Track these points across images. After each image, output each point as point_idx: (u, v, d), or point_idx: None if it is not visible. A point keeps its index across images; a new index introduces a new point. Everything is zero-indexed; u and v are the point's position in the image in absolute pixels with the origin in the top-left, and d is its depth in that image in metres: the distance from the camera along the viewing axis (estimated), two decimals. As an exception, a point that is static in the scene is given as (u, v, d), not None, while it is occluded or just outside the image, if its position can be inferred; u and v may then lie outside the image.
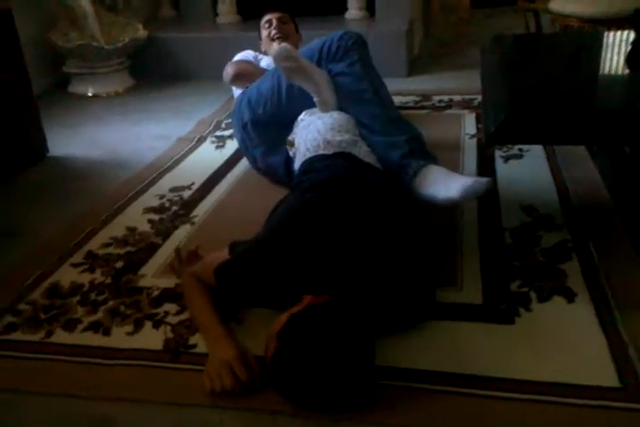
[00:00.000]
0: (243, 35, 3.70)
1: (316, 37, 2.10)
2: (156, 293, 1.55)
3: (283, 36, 2.52)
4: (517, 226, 1.76)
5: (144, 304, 1.51)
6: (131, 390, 1.23)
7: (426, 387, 1.19)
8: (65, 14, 3.43)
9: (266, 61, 2.51)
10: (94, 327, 1.43)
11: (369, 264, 1.32)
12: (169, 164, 2.40)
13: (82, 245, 1.82)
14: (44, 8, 3.50)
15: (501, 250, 1.65)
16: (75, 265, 1.71)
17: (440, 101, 2.97)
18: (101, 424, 1.16)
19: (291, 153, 1.98)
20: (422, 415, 1.13)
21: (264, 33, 2.59)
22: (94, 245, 1.82)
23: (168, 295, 1.54)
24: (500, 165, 2.19)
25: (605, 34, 2.28)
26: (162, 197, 2.12)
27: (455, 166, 2.13)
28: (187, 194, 2.13)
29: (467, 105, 2.89)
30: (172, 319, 1.44)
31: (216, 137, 2.68)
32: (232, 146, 2.52)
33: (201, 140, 2.65)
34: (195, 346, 1.35)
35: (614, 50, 1.98)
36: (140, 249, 1.78)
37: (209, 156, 2.48)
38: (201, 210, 2.01)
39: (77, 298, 1.55)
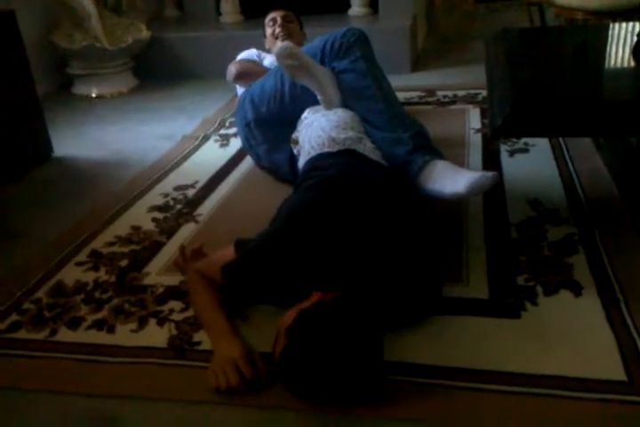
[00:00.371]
0: (246, 34, 3.69)
1: (320, 35, 2.10)
2: (160, 290, 1.55)
3: (287, 35, 2.51)
4: (523, 220, 1.75)
5: (148, 302, 1.51)
6: (135, 387, 1.23)
7: (433, 382, 1.18)
8: (68, 16, 3.44)
9: (269, 60, 2.51)
10: (98, 325, 1.43)
11: (376, 260, 1.31)
12: (173, 162, 2.40)
13: (86, 243, 1.82)
14: (47, 9, 3.50)
15: (507, 244, 1.64)
16: (79, 264, 1.71)
17: (444, 97, 2.96)
18: (106, 422, 1.16)
19: (295, 151, 1.97)
20: (429, 410, 1.12)
21: (268, 31, 2.59)
22: (98, 243, 1.82)
23: (172, 293, 1.53)
24: (505, 160, 2.18)
25: (611, 26, 2.26)
26: (166, 195, 2.12)
27: (460, 161, 2.11)
28: (191, 192, 2.13)
29: (471, 100, 2.87)
30: (177, 317, 1.44)
31: (220, 135, 2.68)
32: (236, 144, 2.51)
33: (205, 139, 2.64)
34: (199, 343, 1.34)
35: (620, 42, 1.97)
36: (145, 247, 1.77)
37: (213, 154, 2.47)
38: (205, 208, 2.00)
39: (82, 296, 1.55)
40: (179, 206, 2.03)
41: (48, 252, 1.79)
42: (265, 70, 2.33)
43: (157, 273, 1.64)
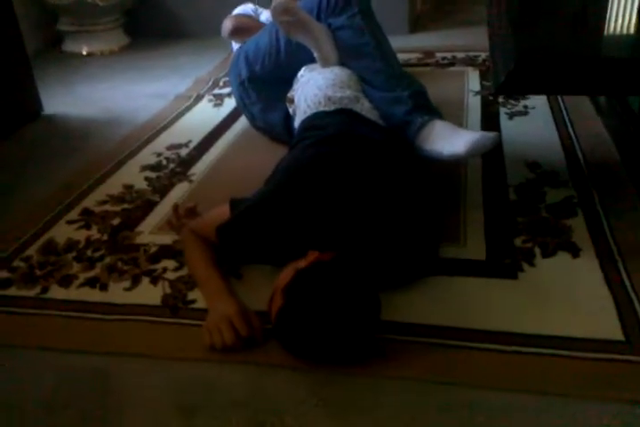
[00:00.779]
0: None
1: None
2: (153, 249, 1.53)
3: None
4: (522, 182, 1.73)
5: (141, 260, 1.48)
6: (128, 345, 1.22)
7: (428, 341, 1.18)
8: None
9: (266, 15, 2.44)
10: (91, 283, 1.41)
11: (373, 219, 1.29)
12: (166, 122, 2.35)
13: (77, 202, 1.79)
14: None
15: (505, 206, 1.62)
16: (70, 222, 1.68)
17: (443, 58, 2.90)
18: (98, 379, 1.15)
19: (290, 110, 1.93)
20: (424, 369, 1.11)
21: None
22: (90, 202, 1.79)
23: (166, 252, 1.51)
24: (504, 122, 2.14)
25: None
26: (159, 154, 2.08)
27: (459, 123, 2.06)
28: (184, 152, 2.09)
29: (471, 62, 2.82)
30: (171, 275, 1.42)
31: (214, 95, 2.62)
32: (230, 104, 2.46)
33: (198, 99, 2.59)
34: (194, 301, 1.33)
35: (623, 1, 1.92)
36: (137, 206, 1.74)
37: (207, 114, 2.42)
38: (199, 168, 1.97)
39: (73, 254, 1.53)
40: (172, 166, 1.99)
41: (38, 210, 1.76)
42: (261, 25, 2.26)
43: (150, 232, 1.61)
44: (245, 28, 2.31)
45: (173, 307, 1.32)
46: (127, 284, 1.40)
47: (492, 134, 1.51)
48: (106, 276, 1.43)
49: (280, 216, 1.31)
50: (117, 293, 1.38)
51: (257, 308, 1.24)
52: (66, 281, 1.42)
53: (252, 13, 2.48)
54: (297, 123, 1.79)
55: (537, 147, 1.94)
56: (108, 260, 1.50)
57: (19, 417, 1.08)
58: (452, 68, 2.78)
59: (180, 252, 1.49)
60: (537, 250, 1.42)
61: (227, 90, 2.62)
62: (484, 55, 2.85)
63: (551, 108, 2.22)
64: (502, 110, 2.24)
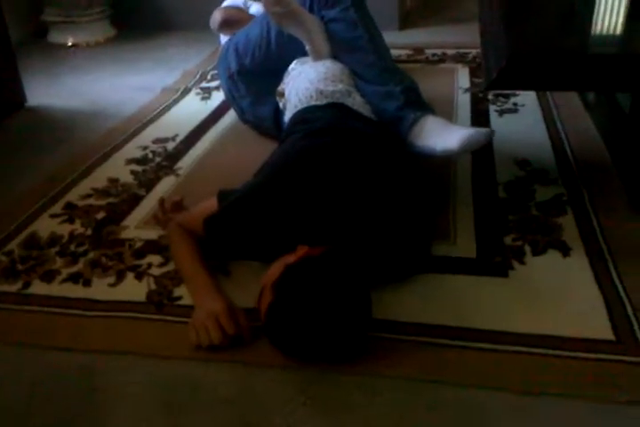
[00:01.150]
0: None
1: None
2: (138, 244, 1.50)
3: None
4: (511, 180, 1.72)
5: (126, 256, 1.46)
6: (112, 341, 1.19)
7: (419, 339, 1.16)
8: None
9: (255, 8, 2.41)
10: (74, 279, 1.38)
11: (364, 214, 1.27)
12: (152, 115, 2.32)
13: (61, 195, 1.75)
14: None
15: (495, 204, 1.61)
16: (53, 216, 1.65)
17: (433, 55, 2.88)
18: (81, 377, 1.12)
19: (280, 104, 1.90)
20: (415, 367, 1.10)
21: None
22: (74, 196, 1.75)
23: (151, 247, 1.49)
24: (494, 119, 2.13)
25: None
26: (145, 148, 2.04)
27: (449, 120, 2.04)
28: (171, 145, 2.06)
29: (461, 59, 2.80)
30: (156, 271, 1.39)
31: (201, 88, 2.59)
32: (218, 97, 2.43)
33: (186, 92, 2.55)
34: (180, 298, 1.30)
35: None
36: (123, 200, 1.71)
37: (194, 107, 2.39)
38: (185, 162, 1.94)
39: (56, 249, 1.50)
40: (158, 159, 1.96)
41: (21, 203, 1.72)
42: (251, 18, 2.23)
43: (136, 227, 1.59)
44: (235, 21, 2.27)
45: (158, 303, 1.29)
46: (111, 279, 1.37)
47: (485, 130, 1.50)
48: (89, 271, 1.40)
49: (269, 208, 1.29)
50: (101, 288, 1.35)
51: (245, 305, 1.22)
52: (48, 276, 1.39)
53: (241, 6, 2.45)
54: (287, 117, 1.77)
55: (526, 144, 1.93)
56: (91, 255, 1.47)
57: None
58: (441, 65, 2.76)
59: (165, 247, 1.46)
60: (527, 248, 1.41)
61: (215, 83, 2.58)
62: (474, 52, 2.85)
63: (541, 105, 2.22)
64: (492, 108, 2.23)
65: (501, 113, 2.18)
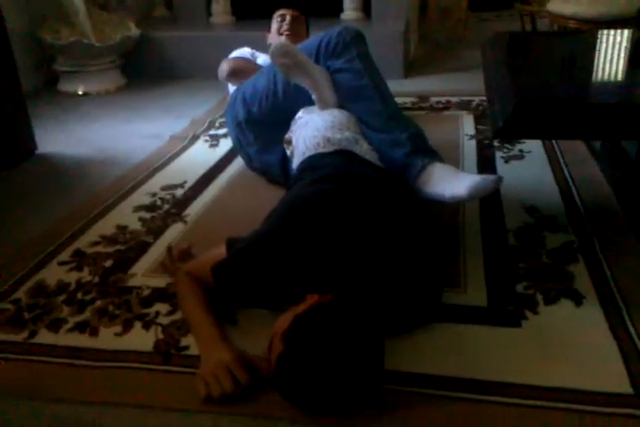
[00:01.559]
0: (236, 34, 3.66)
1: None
2: (146, 292, 1.49)
3: (292, 34, 2.47)
4: (521, 227, 1.72)
5: (134, 304, 1.44)
6: (119, 393, 1.17)
7: (432, 392, 1.14)
8: (56, 11, 3.36)
9: (263, 59, 2.46)
10: (81, 328, 1.37)
11: (373, 261, 1.26)
12: (161, 162, 2.34)
13: (69, 242, 1.75)
14: (34, 4, 3.42)
15: (505, 251, 1.60)
16: (61, 263, 1.64)
17: (438, 103, 2.93)
18: (87, 430, 1.10)
19: (288, 152, 1.92)
20: (428, 421, 1.07)
21: (274, 26, 2.55)
22: (82, 243, 1.75)
23: (159, 295, 1.47)
24: (500, 166, 2.15)
25: (606, 32, 2.26)
26: (153, 195, 2.06)
27: (455, 167, 2.07)
28: (179, 192, 2.07)
29: (465, 106, 2.85)
30: (164, 320, 1.38)
31: (210, 136, 2.62)
32: (226, 145, 2.46)
33: (194, 139, 2.59)
34: (187, 348, 1.28)
35: (617, 46, 1.97)
36: (131, 248, 1.71)
37: (202, 154, 2.42)
38: (194, 209, 1.94)
39: (64, 297, 1.48)
40: (166, 206, 1.96)
41: (29, 250, 1.72)
42: (258, 69, 2.27)
43: (143, 274, 1.58)
44: (242, 71, 2.32)
45: (166, 354, 1.27)
46: (118, 329, 1.36)
47: (493, 177, 1.50)
48: (96, 320, 1.39)
49: (278, 256, 1.28)
50: (108, 338, 1.33)
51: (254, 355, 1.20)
52: (55, 325, 1.38)
53: (249, 57, 2.50)
54: (295, 164, 1.78)
55: (534, 191, 1.94)
56: (99, 303, 1.45)
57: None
58: (446, 112, 2.80)
59: (173, 295, 1.45)
60: (539, 297, 1.40)
61: (223, 131, 2.62)
62: (477, 100, 2.89)
63: (546, 152, 2.23)
64: (498, 154, 2.25)
65: (507, 160, 2.19)
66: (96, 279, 1.56)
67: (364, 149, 1.69)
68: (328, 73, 1.92)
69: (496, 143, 2.34)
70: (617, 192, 1.88)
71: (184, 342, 1.30)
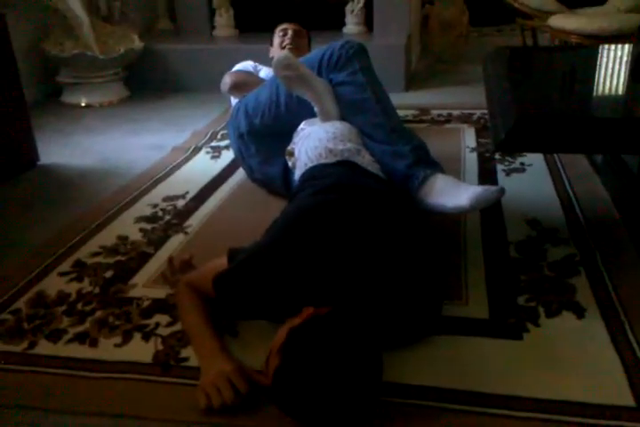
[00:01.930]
0: (239, 47, 3.69)
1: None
2: (146, 303, 1.48)
3: (294, 48, 2.49)
4: (522, 240, 1.71)
5: (134, 315, 1.44)
6: (118, 405, 1.16)
7: (432, 404, 1.13)
8: (60, 23, 3.39)
9: (265, 72, 2.48)
10: (80, 338, 1.36)
11: (372, 274, 1.25)
12: (163, 173, 2.34)
13: (70, 253, 1.75)
14: (38, 16, 3.45)
15: (507, 264, 1.60)
16: (62, 274, 1.64)
17: (439, 115, 2.94)
18: (85, 442, 1.09)
19: (290, 163, 1.92)
20: (429, 435, 1.06)
21: (276, 41, 2.57)
22: (83, 253, 1.75)
23: (159, 306, 1.47)
24: (502, 179, 2.15)
25: (607, 46, 2.27)
26: (155, 206, 2.06)
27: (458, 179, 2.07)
28: (180, 203, 2.07)
29: (466, 119, 2.86)
30: (163, 331, 1.37)
31: (211, 147, 2.63)
32: (228, 156, 2.47)
33: (196, 151, 2.59)
34: (186, 359, 1.28)
35: (617, 61, 1.98)
36: (131, 258, 1.71)
37: (204, 166, 2.42)
38: (195, 220, 1.95)
39: (64, 308, 1.48)
40: (167, 217, 1.97)
41: (30, 261, 1.72)
42: (260, 82, 2.29)
43: (144, 285, 1.57)
44: (245, 84, 2.33)
45: (165, 365, 1.26)
46: (118, 340, 1.35)
47: (494, 188, 1.50)
48: (96, 331, 1.38)
49: (279, 267, 1.27)
50: (108, 349, 1.32)
51: (253, 367, 1.19)
52: (55, 336, 1.37)
53: (251, 70, 2.52)
54: (297, 175, 1.78)
55: (536, 204, 1.94)
56: (99, 314, 1.45)
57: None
58: (447, 125, 2.81)
59: (173, 306, 1.45)
60: (541, 309, 1.39)
61: (224, 142, 2.63)
62: (478, 113, 2.90)
63: (548, 165, 2.24)
64: (499, 167, 2.25)
65: (509, 173, 2.20)
66: (96, 290, 1.55)
67: (366, 160, 1.70)
68: (330, 86, 1.93)
69: (497, 156, 2.34)
70: (618, 206, 1.88)
71: (184, 353, 1.29)
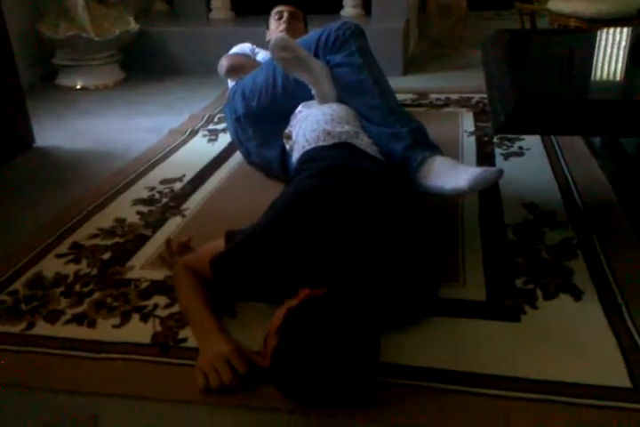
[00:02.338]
0: (236, 30, 3.66)
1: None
2: (144, 285, 1.48)
3: (290, 31, 2.46)
4: (520, 223, 1.71)
5: (132, 296, 1.44)
6: (117, 385, 1.16)
7: (429, 385, 1.13)
8: (54, 5, 3.35)
9: (262, 55, 2.46)
10: (78, 319, 1.36)
11: (369, 255, 1.26)
12: (159, 156, 2.33)
13: (67, 235, 1.75)
14: (33, -2, 3.42)
15: (504, 246, 1.60)
16: (59, 256, 1.64)
17: (437, 99, 2.93)
18: (84, 421, 1.09)
19: (287, 146, 1.91)
20: (424, 414, 1.07)
21: (273, 24, 2.54)
22: (80, 236, 1.74)
23: (157, 288, 1.47)
24: (500, 163, 2.14)
25: (605, 30, 2.26)
26: (152, 188, 2.05)
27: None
28: (177, 186, 2.06)
29: (464, 103, 2.84)
30: (162, 312, 1.37)
31: (208, 130, 2.62)
32: (225, 139, 2.45)
33: (193, 134, 2.58)
34: (185, 340, 1.28)
35: (616, 43, 1.97)
36: (129, 240, 1.70)
37: (201, 149, 2.41)
38: (192, 202, 1.94)
39: (61, 289, 1.48)
40: (165, 200, 1.96)
41: (27, 242, 1.71)
42: (258, 64, 2.27)
43: (142, 267, 1.57)
44: (242, 67, 2.31)
45: (164, 346, 1.26)
46: (116, 321, 1.35)
47: (493, 169, 1.50)
48: (94, 312, 1.38)
49: (276, 249, 1.28)
50: (106, 330, 1.32)
51: (251, 348, 1.19)
52: (52, 317, 1.37)
53: (249, 53, 2.49)
54: (295, 158, 1.77)
55: (534, 187, 1.94)
56: (96, 295, 1.45)
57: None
58: (446, 109, 2.80)
59: (171, 287, 1.44)
60: (539, 292, 1.40)
61: (221, 125, 2.61)
62: (477, 97, 2.89)
63: (546, 149, 2.23)
64: (497, 151, 2.25)
65: (507, 156, 2.19)
66: (94, 272, 1.55)
67: (364, 143, 1.69)
68: (327, 67, 1.91)
69: (495, 140, 2.33)
70: (616, 189, 1.88)
71: (182, 334, 1.30)
